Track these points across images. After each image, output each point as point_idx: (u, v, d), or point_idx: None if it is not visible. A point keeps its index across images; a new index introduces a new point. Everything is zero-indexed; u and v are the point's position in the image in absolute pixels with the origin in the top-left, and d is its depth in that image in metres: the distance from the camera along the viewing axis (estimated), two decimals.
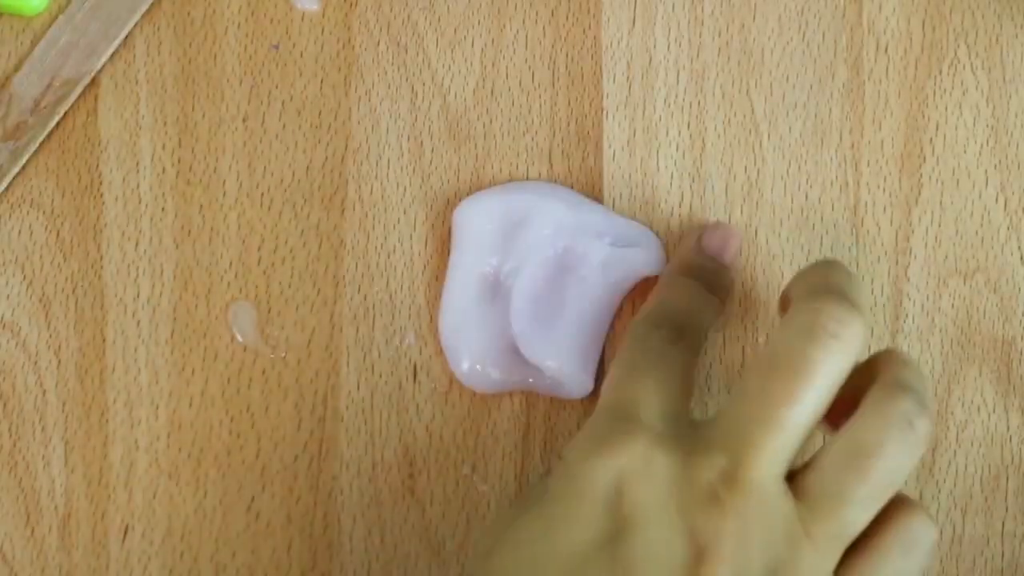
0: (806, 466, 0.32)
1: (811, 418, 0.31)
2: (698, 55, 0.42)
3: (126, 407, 0.40)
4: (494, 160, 0.42)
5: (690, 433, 0.32)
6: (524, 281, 0.39)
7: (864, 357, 0.33)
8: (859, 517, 0.31)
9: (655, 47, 0.42)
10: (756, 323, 0.41)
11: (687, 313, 0.36)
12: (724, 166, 0.42)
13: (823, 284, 0.33)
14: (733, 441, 0.31)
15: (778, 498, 0.31)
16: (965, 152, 0.42)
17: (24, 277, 0.40)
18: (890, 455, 0.31)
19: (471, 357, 0.39)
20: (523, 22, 0.43)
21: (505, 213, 0.39)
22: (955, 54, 0.43)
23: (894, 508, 0.32)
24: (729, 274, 0.39)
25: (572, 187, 0.41)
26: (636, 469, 0.31)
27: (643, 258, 0.39)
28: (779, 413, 0.30)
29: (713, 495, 0.30)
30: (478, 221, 0.39)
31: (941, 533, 0.40)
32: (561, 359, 0.38)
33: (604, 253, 0.39)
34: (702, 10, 0.43)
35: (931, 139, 0.42)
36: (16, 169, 0.41)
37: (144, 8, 0.42)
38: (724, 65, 0.42)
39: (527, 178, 0.41)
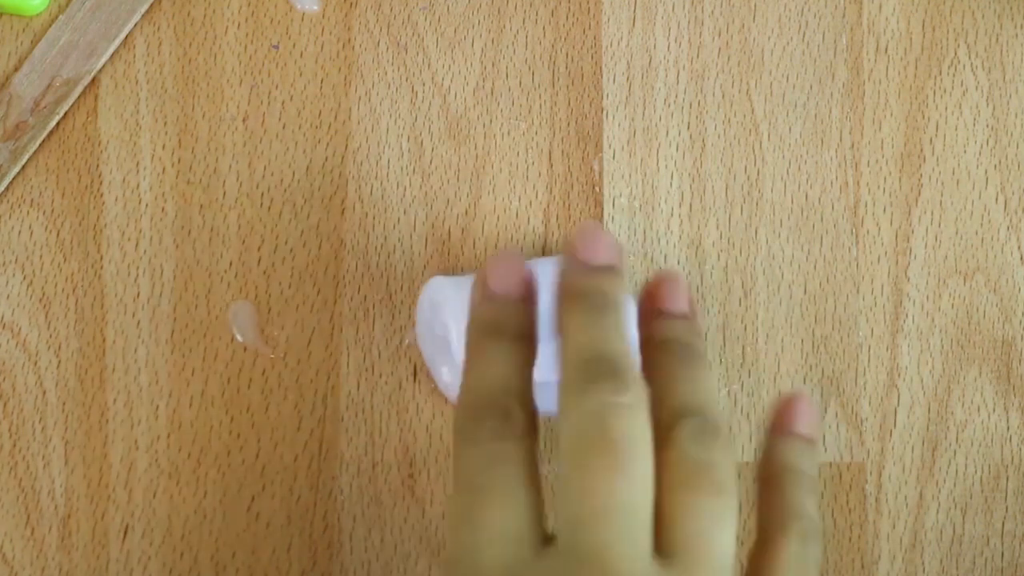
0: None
1: (644, 484, 0.29)
2: (698, 55, 0.42)
3: (126, 407, 0.40)
4: (494, 160, 0.42)
5: (547, 558, 0.29)
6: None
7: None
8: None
9: (655, 47, 0.42)
10: (756, 323, 0.41)
11: (505, 389, 0.31)
12: (724, 166, 0.42)
13: (581, 359, 0.30)
14: (586, 546, 0.28)
15: None
16: (965, 152, 0.42)
17: (24, 277, 0.40)
18: (715, 473, 0.29)
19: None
20: (523, 22, 0.43)
21: None
22: (955, 54, 0.43)
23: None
24: (530, 308, 0.33)
25: (572, 187, 0.41)
26: None
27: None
28: (610, 497, 0.28)
29: None
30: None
31: (941, 533, 0.40)
32: None
33: None
34: (702, 10, 0.43)
35: (931, 139, 0.42)
36: (16, 169, 0.41)
37: (144, 8, 0.42)
38: (724, 65, 0.42)
39: (527, 178, 0.41)
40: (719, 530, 0.29)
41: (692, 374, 0.32)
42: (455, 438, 0.31)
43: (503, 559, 0.29)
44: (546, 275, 0.34)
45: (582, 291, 0.31)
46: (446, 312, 0.36)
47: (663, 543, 0.29)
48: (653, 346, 0.33)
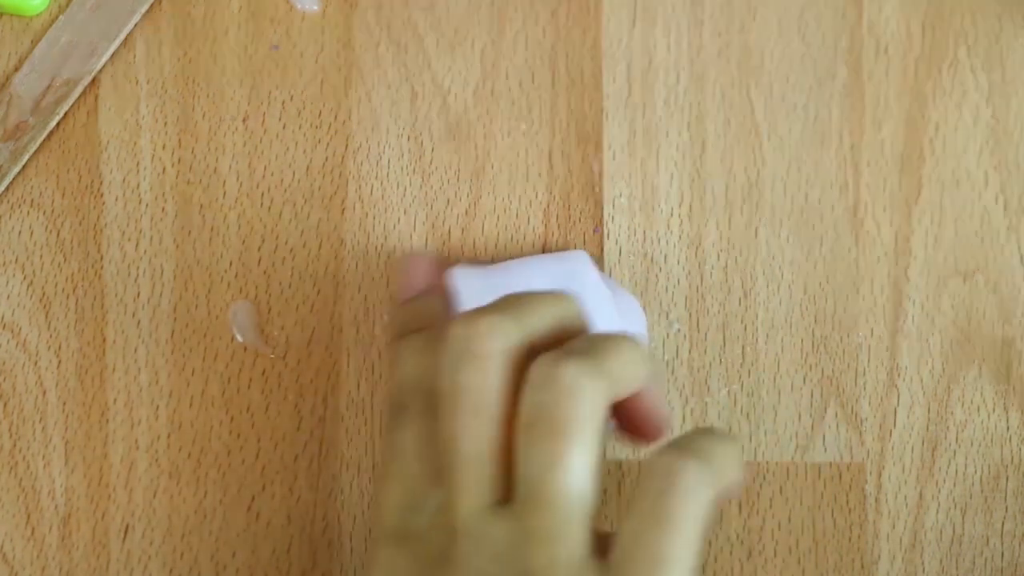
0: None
1: (476, 435, 0.30)
2: (698, 56, 0.43)
3: (126, 407, 0.40)
4: (494, 160, 0.42)
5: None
6: None
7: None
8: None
9: (655, 48, 0.43)
10: (756, 323, 0.41)
11: (402, 383, 0.34)
12: (724, 166, 0.42)
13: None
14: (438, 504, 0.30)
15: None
16: (965, 153, 0.42)
17: (24, 277, 0.40)
18: (557, 419, 0.29)
19: None
20: (523, 22, 0.43)
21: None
22: (955, 55, 0.43)
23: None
24: (433, 300, 0.37)
25: (572, 187, 0.41)
26: None
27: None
28: (454, 448, 0.30)
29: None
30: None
31: (941, 533, 0.40)
32: None
33: None
34: (702, 11, 0.43)
35: (931, 140, 0.42)
36: (16, 169, 0.41)
37: (144, 8, 0.42)
38: (724, 66, 0.42)
39: (527, 178, 0.41)
40: (556, 472, 0.28)
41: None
42: (384, 428, 0.34)
43: (396, 519, 0.31)
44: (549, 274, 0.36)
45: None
46: (463, 301, 0.36)
47: (510, 489, 0.30)
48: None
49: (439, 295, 0.37)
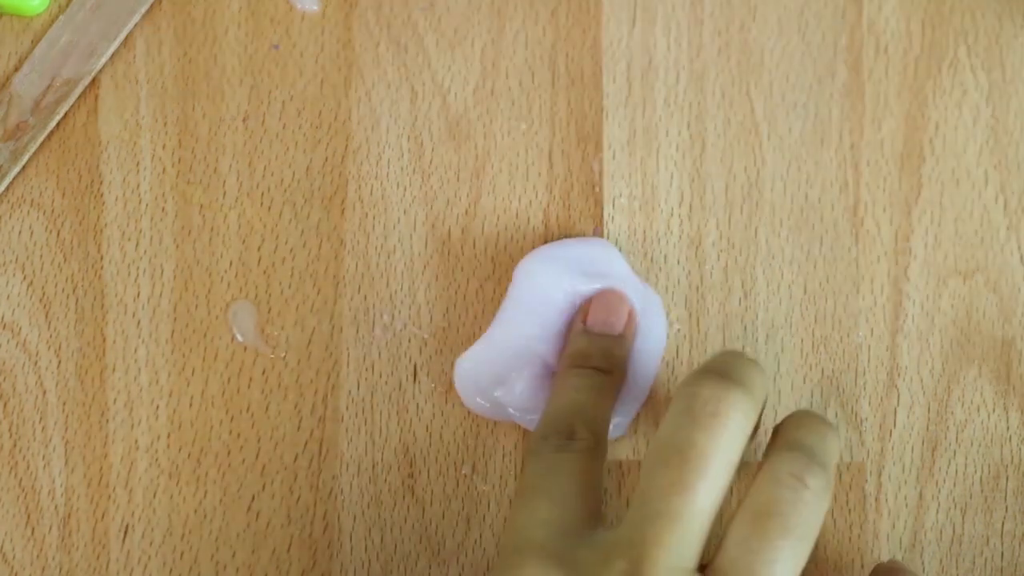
0: (716, 548, 0.31)
1: (709, 503, 0.30)
2: (698, 55, 0.42)
3: (126, 407, 0.40)
4: (494, 160, 0.42)
5: (590, 544, 0.31)
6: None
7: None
8: None
9: (655, 47, 0.42)
10: (756, 323, 0.41)
11: (575, 412, 0.35)
12: (724, 166, 0.42)
13: (703, 366, 0.32)
14: (631, 543, 0.29)
15: None
16: (965, 152, 0.42)
17: (24, 277, 0.40)
18: (787, 515, 0.30)
19: (483, 396, 0.39)
20: (523, 22, 0.43)
21: (571, 289, 0.39)
22: (955, 54, 0.43)
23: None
24: (623, 343, 0.38)
25: (572, 187, 0.41)
26: None
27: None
28: (671, 506, 0.29)
29: None
30: (543, 287, 0.39)
31: (941, 533, 0.40)
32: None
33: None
34: (702, 10, 0.43)
35: (931, 139, 0.42)
36: (16, 169, 0.41)
37: (144, 8, 0.42)
38: (724, 65, 0.42)
39: (527, 178, 0.41)
40: (775, 570, 0.29)
41: (821, 426, 0.33)
42: (524, 457, 0.35)
43: (545, 539, 0.31)
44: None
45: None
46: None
47: (714, 565, 0.30)
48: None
49: (619, 335, 0.38)
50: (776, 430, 0.33)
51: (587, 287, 0.38)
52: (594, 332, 0.38)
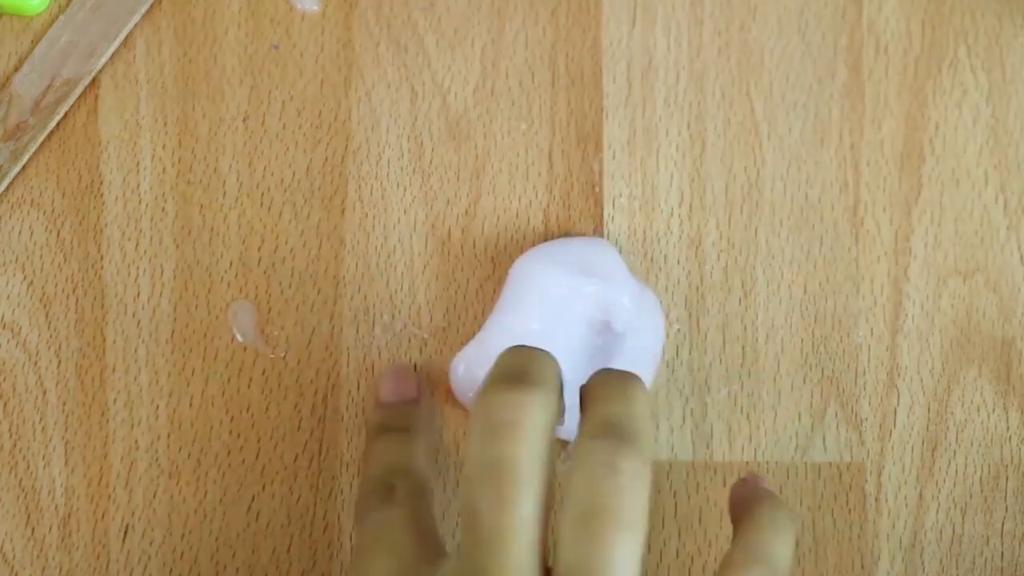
0: (555, 551, 0.30)
1: (534, 509, 0.29)
2: (698, 55, 0.43)
3: (126, 407, 0.40)
4: (494, 160, 0.42)
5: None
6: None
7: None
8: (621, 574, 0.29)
9: (655, 47, 0.42)
10: (756, 323, 0.41)
11: (388, 471, 0.35)
12: (724, 166, 0.42)
13: (488, 375, 0.31)
14: (472, 570, 0.29)
15: None
16: (965, 152, 0.42)
17: (24, 277, 0.40)
18: (610, 508, 0.29)
19: None
20: (523, 22, 0.43)
21: (567, 283, 0.39)
22: (955, 54, 0.43)
23: None
24: (417, 408, 0.39)
25: (572, 187, 0.41)
26: None
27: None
28: (500, 524, 0.29)
29: None
30: (539, 285, 0.39)
31: (941, 533, 0.40)
32: None
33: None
34: (702, 10, 0.43)
35: (931, 139, 0.42)
36: (16, 169, 0.41)
37: (144, 8, 0.42)
38: (724, 65, 0.42)
39: (527, 178, 0.41)
40: (615, 568, 0.28)
41: (622, 389, 0.32)
42: (354, 526, 0.36)
43: None
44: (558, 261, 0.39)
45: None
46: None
47: (556, 570, 0.29)
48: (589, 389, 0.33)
49: (416, 403, 0.39)
50: (582, 400, 0.32)
51: (584, 283, 0.38)
52: (388, 402, 0.39)
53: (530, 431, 0.29)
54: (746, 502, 0.33)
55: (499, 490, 0.29)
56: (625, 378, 0.32)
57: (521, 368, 0.31)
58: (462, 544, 0.30)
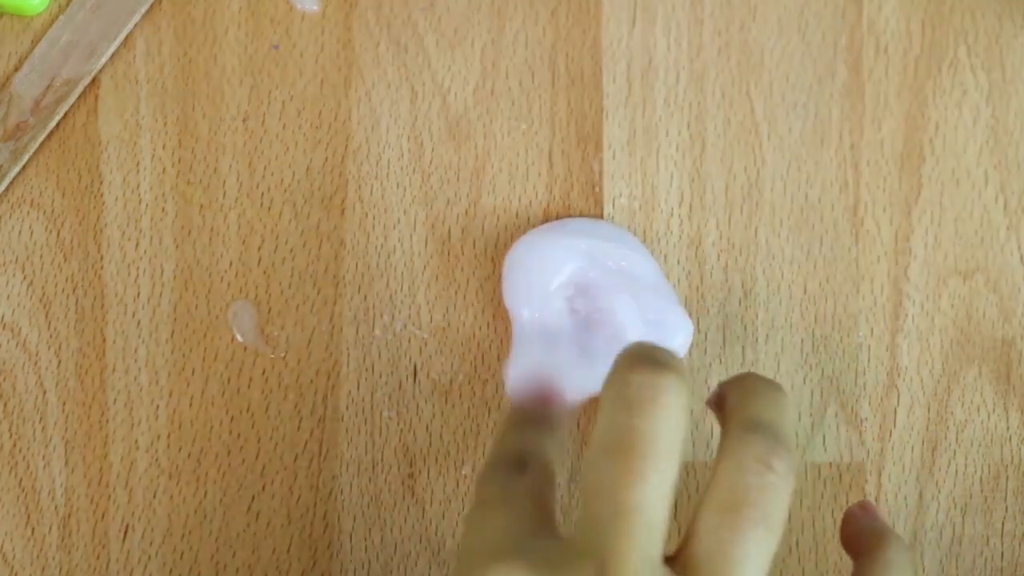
0: (685, 538, 0.30)
1: (664, 490, 0.29)
2: (698, 55, 0.43)
3: (126, 407, 0.40)
4: (494, 160, 0.42)
5: (552, 550, 0.30)
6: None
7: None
8: (751, 572, 0.29)
9: (655, 47, 0.42)
10: (756, 323, 0.41)
11: (523, 446, 0.34)
12: (724, 166, 0.42)
13: (627, 352, 0.31)
14: (594, 544, 0.28)
15: None
16: (965, 152, 0.42)
17: (24, 277, 0.40)
18: (757, 504, 0.29)
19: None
20: (523, 22, 0.43)
21: (569, 244, 0.39)
22: (955, 54, 0.43)
23: None
24: (559, 411, 0.37)
25: (572, 187, 0.41)
26: None
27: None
28: (628, 498, 0.28)
29: None
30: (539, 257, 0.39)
31: (941, 533, 0.40)
32: None
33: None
34: (702, 10, 0.43)
35: (931, 139, 0.42)
36: (16, 169, 0.41)
37: (144, 8, 0.42)
38: (724, 65, 0.42)
39: (527, 178, 0.41)
40: (747, 565, 0.28)
41: (775, 395, 0.32)
42: (473, 491, 0.34)
43: (508, 543, 0.30)
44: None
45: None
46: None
47: (683, 556, 0.29)
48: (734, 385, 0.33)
49: (550, 402, 0.37)
50: (725, 401, 0.32)
51: (584, 241, 0.39)
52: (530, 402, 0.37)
53: (668, 409, 0.29)
54: (867, 541, 0.34)
55: (629, 463, 0.28)
56: (776, 386, 0.32)
57: (658, 353, 0.30)
58: (585, 516, 0.29)
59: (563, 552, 0.29)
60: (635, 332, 0.38)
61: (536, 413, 0.37)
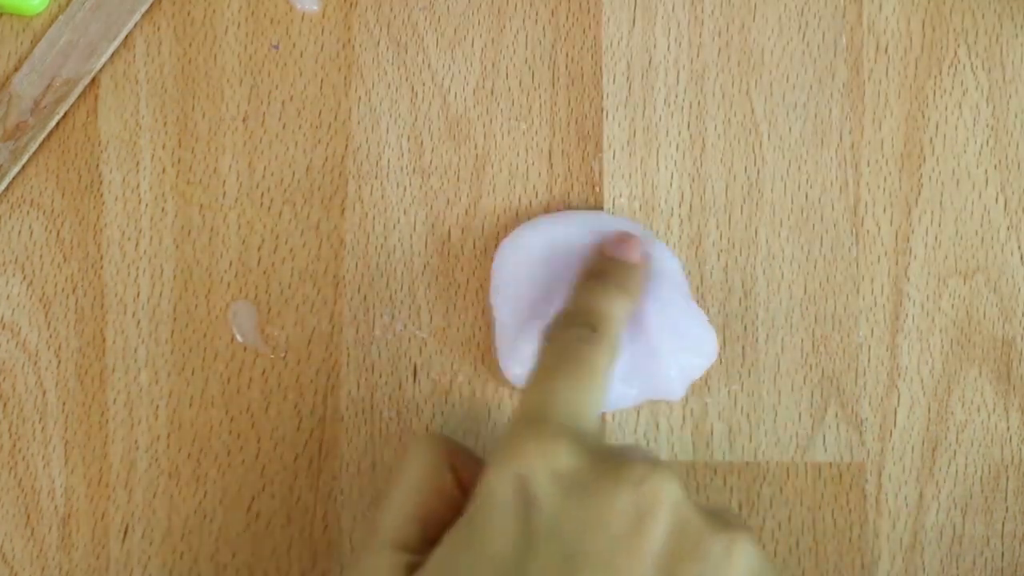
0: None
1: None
2: (698, 55, 0.42)
3: (126, 407, 0.40)
4: (494, 160, 0.42)
5: (597, 435, 0.33)
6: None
7: None
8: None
9: (655, 47, 0.42)
10: (756, 323, 0.41)
11: (598, 310, 0.35)
12: (724, 166, 0.42)
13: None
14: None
15: None
16: (965, 152, 0.42)
17: (24, 277, 0.40)
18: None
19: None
20: (523, 22, 0.43)
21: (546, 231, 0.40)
22: (955, 54, 0.43)
23: None
24: (638, 271, 0.38)
25: (572, 187, 0.41)
26: (540, 468, 0.30)
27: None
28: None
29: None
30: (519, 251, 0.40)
31: (941, 533, 0.40)
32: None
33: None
34: (702, 10, 0.43)
35: (931, 139, 0.42)
36: (16, 169, 0.41)
37: (144, 8, 0.42)
38: (724, 65, 0.42)
39: (527, 178, 0.41)
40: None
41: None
42: (542, 345, 0.35)
43: (569, 409, 0.32)
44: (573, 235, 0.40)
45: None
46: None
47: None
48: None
49: (636, 268, 0.39)
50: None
51: (562, 227, 0.40)
52: (611, 256, 0.38)
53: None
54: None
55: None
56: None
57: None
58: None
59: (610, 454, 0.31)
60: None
61: (614, 271, 0.38)
